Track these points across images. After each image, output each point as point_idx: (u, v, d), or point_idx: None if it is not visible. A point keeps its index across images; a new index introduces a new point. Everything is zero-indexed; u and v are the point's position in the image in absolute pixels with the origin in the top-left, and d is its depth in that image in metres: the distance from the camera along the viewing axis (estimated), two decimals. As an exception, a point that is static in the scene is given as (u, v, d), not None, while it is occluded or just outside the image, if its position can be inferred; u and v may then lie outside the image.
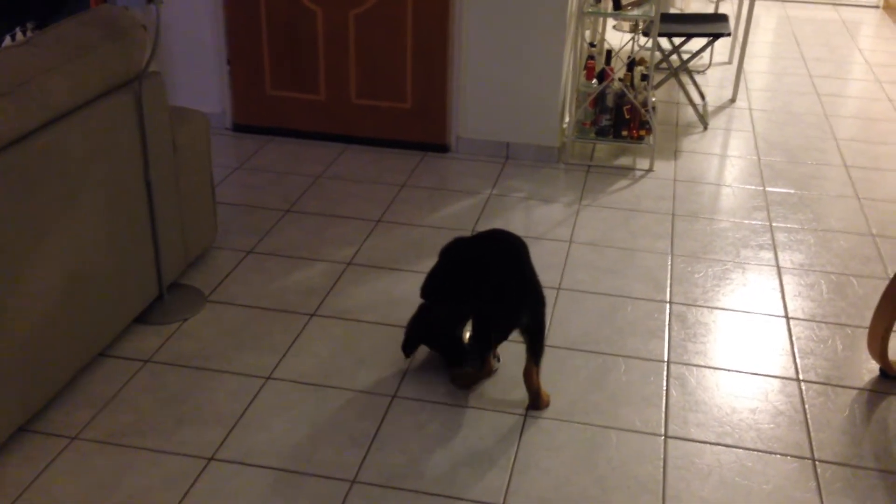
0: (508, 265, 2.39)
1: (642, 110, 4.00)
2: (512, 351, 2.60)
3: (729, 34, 4.66)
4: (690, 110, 4.79)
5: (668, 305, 2.95)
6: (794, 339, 2.81)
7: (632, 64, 4.09)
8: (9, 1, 3.58)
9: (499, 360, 2.61)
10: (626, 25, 5.99)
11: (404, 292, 2.97)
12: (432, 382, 2.54)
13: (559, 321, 2.84)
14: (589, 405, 2.46)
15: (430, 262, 2.59)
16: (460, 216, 3.52)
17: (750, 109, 4.88)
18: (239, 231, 3.35)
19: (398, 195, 3.70)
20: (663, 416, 2.43)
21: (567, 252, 3.27)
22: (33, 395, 2.24)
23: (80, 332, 2.39)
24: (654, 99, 4.13)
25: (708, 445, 2.33)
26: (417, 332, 2.54)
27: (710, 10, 6.57)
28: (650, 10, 3.96)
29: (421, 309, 2.56)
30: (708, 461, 2.28)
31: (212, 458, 2.23)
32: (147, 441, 2.28)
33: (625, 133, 4.07)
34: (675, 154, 4.23)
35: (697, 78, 5.28)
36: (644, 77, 4.10)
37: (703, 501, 2.14)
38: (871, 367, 2.67)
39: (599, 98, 4.03)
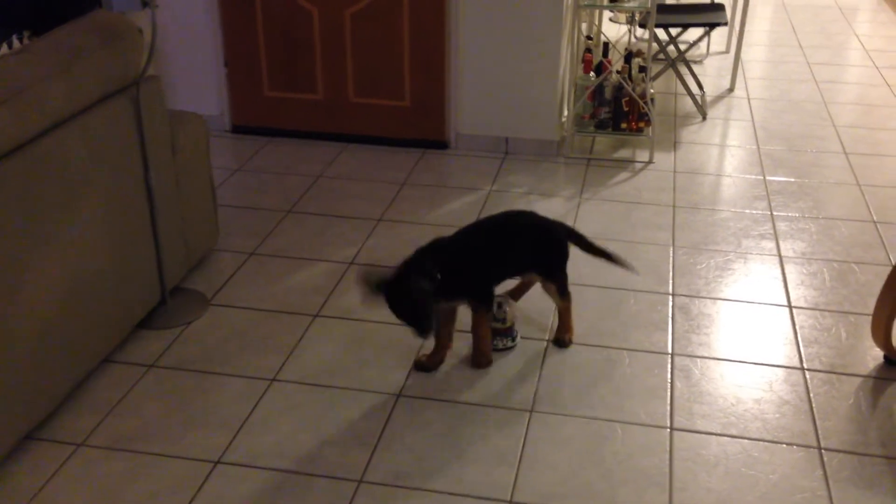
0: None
1: (641, 102, 3.99)
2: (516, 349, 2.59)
3: (726, 23, 4.66)
4: (689, 101, 4.78)
5: (670, 297, 2.95)
6: (797, 328, 2.81)
7: (629, 56, 4.09)
8: (4, 9, 3.58)
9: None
10: (623, 17, 5.96)
11: (407, 290, 2.96)
12: (437, 380, 2.54)
13: (562, 316, 2.84)
14: (594, 399, 2.46)
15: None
16: (461, 213, 3.52)
17: (748, 98, 4.87)
18: (240, 233, 3.35)
19: (399, 193, 3.70)
20: (668, 408, 2.43)
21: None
22: (39, 402, 2.24)
23: (83, 338, 2.39)
24: (652, 90, 4.13)
25: (714, 436, 2.33)
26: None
27: (706, -1, 6.55)
28: (646, 1, 3.95)
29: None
30: (714, 452, 2.28)
31: (218, 462, 2.23)
32: (153, 446, 2.28)
33: (624, 125, 4.07)
34: (674, 145, 4.22)
35: (695, 68, 5.27)
36: (642, 69, 4.10)
37: (710, 492, 2.15)
38: (876, 355, 2.67)
39: (598, 91, 4.02)
